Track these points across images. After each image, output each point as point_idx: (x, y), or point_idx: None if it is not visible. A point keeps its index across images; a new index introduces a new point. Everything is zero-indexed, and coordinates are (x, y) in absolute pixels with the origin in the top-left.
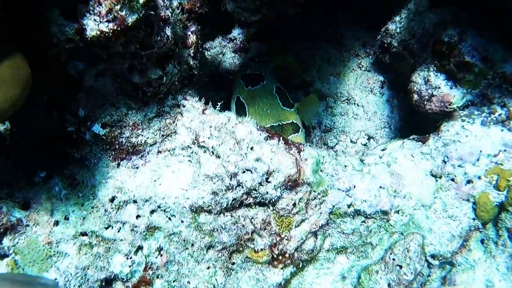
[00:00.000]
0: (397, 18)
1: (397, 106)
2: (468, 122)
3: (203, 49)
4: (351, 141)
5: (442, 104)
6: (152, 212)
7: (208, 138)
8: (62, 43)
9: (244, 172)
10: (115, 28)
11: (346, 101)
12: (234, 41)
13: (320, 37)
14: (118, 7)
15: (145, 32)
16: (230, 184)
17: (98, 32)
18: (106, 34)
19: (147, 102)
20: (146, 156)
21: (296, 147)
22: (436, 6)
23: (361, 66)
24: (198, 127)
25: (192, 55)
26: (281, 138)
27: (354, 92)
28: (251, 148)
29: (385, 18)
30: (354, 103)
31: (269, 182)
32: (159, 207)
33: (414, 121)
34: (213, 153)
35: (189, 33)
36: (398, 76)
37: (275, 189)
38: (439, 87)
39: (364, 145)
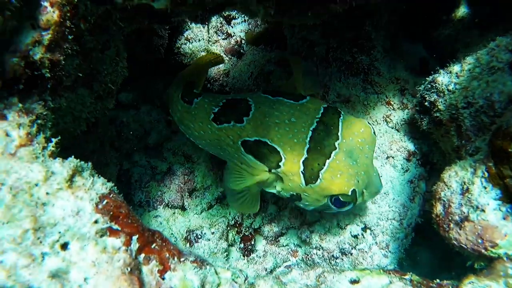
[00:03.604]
0: (456, 68)
1: (422, 194)
2: None
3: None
4: (338, 225)
5: (480, 240)
6: None
7: None
8: None
9: None
10: None
11: None
12: (230, 38)
13: (345, 64)
14: None
15: None
16: None
17: None
18: None
19: None
20: None
21: (160, 260)
22: None
23: (388, 120)
24: None
25: (46, 44)
26: (135, 237)
27: None
28: (63, 246)
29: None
30: None
31: None
32: None
33: None
34: None
35: (46, 4)
36: (436, 152)
37: None
38: (483, 210)
39: (355, 236)
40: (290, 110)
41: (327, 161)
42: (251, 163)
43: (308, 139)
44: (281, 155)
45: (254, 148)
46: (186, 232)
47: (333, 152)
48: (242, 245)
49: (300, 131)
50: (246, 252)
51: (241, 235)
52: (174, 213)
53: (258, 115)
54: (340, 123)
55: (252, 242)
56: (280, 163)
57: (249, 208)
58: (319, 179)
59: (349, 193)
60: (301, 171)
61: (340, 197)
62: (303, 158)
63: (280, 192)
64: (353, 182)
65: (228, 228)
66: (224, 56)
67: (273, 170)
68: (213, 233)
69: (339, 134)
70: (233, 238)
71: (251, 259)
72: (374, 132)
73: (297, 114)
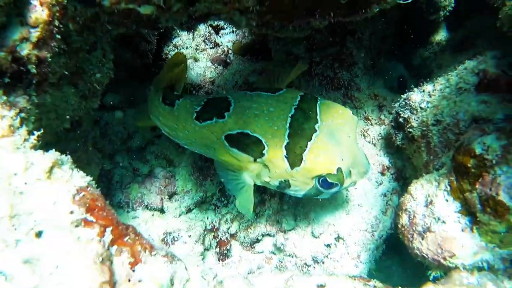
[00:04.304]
0: (429, 87)
1: (394, 208)
2: None
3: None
4: (312, 234)
5: (440, 250)
6: None
7: None
8: None
9: None
10: None
11: None
12: (217, 47)
13: (327, 79)
14: None
15: None
16: None
17: None
18: None
19: None
20: None
21: (132, 253)
22: (487, 90)
23: (366, 134)
24: None
25: (34, 41)
26: (109, 229)
27: None
28: (38, 234)
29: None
30: None
31: None
32: None
33: None
34: None
35: (35, 2)
36: (409, 168)
37: None
38: (444, 222)
39: (328, 246)
40: (268, 101)
41: (309, 143)
42: (237, 156)
43: (288, 125)
44: (263, 143)
45: (237, 141)
46: (163, 234)
47: (314, 134)
48: (218, 250)
49: (279, 118)
50: (221, 257)
51: (218, 240)
52: (152, 215)
53: (238, 109)
54: (317, 108)
55: (228, 247)
56: (264, 151)
57: (245, 208)
58: (303, 161)
59: (335, 172)
60: (285, 156)
61: (327, 178)
62: (285, 143)
63: (269, 182)
64: (336, 160)
65: (205, 232)
66: (211, 64)
67: (258, 160)
68: (190, 236)
69: (317, 117)
70: (209, 243)
71: (226, 264)
72: (353, 113)
73: (275, 104)
